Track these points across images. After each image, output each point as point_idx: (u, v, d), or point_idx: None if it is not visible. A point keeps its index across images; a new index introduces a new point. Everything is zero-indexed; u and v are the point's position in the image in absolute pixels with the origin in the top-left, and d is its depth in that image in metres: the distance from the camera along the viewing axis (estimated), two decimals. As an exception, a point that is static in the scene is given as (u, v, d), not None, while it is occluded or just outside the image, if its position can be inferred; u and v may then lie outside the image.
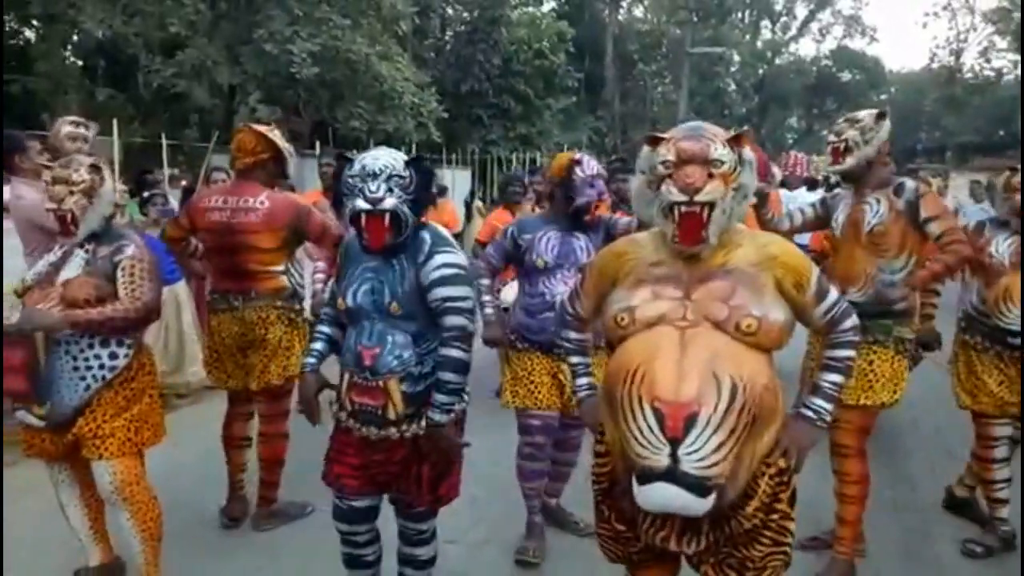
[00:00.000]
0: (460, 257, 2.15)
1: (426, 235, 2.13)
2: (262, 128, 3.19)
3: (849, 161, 2.86)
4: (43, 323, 2.31)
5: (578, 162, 2.92)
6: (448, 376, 2.10)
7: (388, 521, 2.39)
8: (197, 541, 3.06)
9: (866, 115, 2.91)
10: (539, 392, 2.91)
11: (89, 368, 2.39)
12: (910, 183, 2.83)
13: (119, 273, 2.44)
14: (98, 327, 2.36)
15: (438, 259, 2.08)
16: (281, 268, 3.13)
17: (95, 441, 2.43)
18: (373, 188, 2.02)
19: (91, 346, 2.39)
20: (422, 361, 2.10)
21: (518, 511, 3.20)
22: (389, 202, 2.02)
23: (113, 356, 2.43)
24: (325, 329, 2.32)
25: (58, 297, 2.37)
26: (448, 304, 2.07)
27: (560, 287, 2.81)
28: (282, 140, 3.19)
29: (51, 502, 2.66)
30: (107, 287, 2.42)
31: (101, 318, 2.35)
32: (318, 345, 2.31)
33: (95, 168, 2.50)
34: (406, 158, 2.14)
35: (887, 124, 2.88)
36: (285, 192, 3.44)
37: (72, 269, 2.44)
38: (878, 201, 2.80)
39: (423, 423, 2.13)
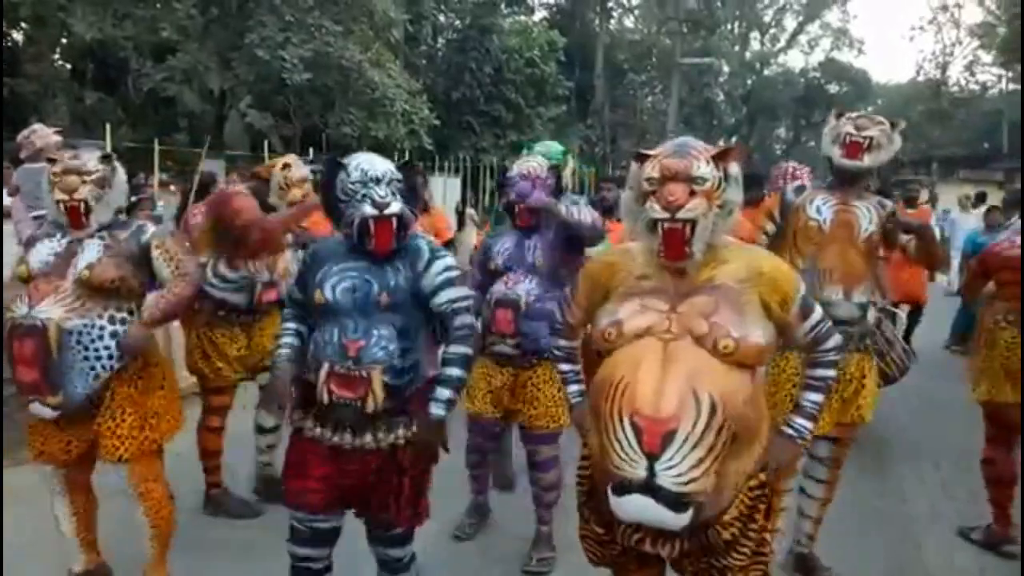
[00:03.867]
0: (455, 261, 2.21)
1: (422, 243, 2.15)
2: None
3: (868, 160, 2.75)
4: (143, 341, 2.42)
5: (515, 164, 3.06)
6: (456, 372, 2.12)
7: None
8: (191, 535, 3.02)
9: (883, 119, 2.81)
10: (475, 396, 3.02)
11: (99, 358, 2.37)
12: (888, 202, 2.85)
13: (154, 252, 2.46)
14: (171, 316, 2.47)
15: (439, 264, 2.12)
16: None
17: (114, 441, 2.42)
18: (381, 193, 2.04)
19: (100, 337, 2.36)
20: (404, 355, 2.07)
21: (500, 522, 3.21)
22: (396, 206, 2.05)
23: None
24: (293, 325, 2.27)
25: (74, 287, 2.35)
26: (457, 304, 2.13)
27: (500, 287, 2.87)
28: None
29: (42, 508, 2.64)
30: (130, 268, 2.41)
31: (169, 308, 2.47)
32: (288, 339, 2.26)
33: (106, 158, 2.47)
34: (396, 163, 2.17)
35: (898, 137, 2.82)
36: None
37: (90, 255, 2.40)
38: (869, 210, 2.76)
39: (401, 432, 2.10)
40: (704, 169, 1.70)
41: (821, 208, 2.79)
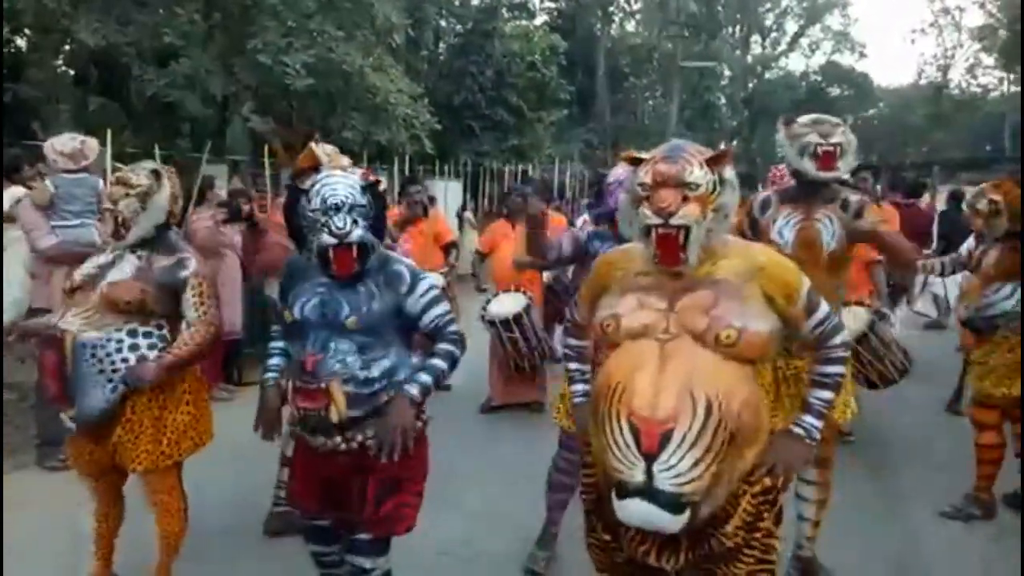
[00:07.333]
0: (436, 279, 2.28)
1: (402, 268, 2.17)
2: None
3: (842, 167, 2.70)
4: (149, 378, 2.37)
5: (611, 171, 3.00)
6: (439, 363, 2.15)
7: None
8: (203, 549, 3.02)
9: (837, 120, 2.76)
10: None
11: (116, 371, 2.38)
12: (853, 197, 2.73)
13: (188, 292, 2.45)
14: (189, 363, 2.45)
15: (423, 286, 2.15)
16: None
17: (132, 453, 2.45)
18: (339, 223, 2.04)
19: (119, 350, 2.38)
20: (367, 366, 2.09)
21: (513, 524, 3.21)
22: (356, 234, 2.06)
23: (142, 359, 2.41)
24: (280, 343, 2.32)
25: (97, 300, 2.37)
26: (445, 319, 2.18)
27: None
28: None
29: (44, 512, 2.66)
30: (156, 294, 2.42)
31: (189, 356, 2.43)
32: (275, 360, 2.32)
33: (155, 174, 2.51)
34: (362, 183, 2.14)
35: (852, 135, 2.77)
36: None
37: (121, 272, 2.44)
38: (831, 220, 2.67)
39: (369, 432, 2.10)
40: (697, 174, 1.68)
41: (783, 230, 2.74)
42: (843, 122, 2.77)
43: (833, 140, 2.68)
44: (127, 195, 2.43)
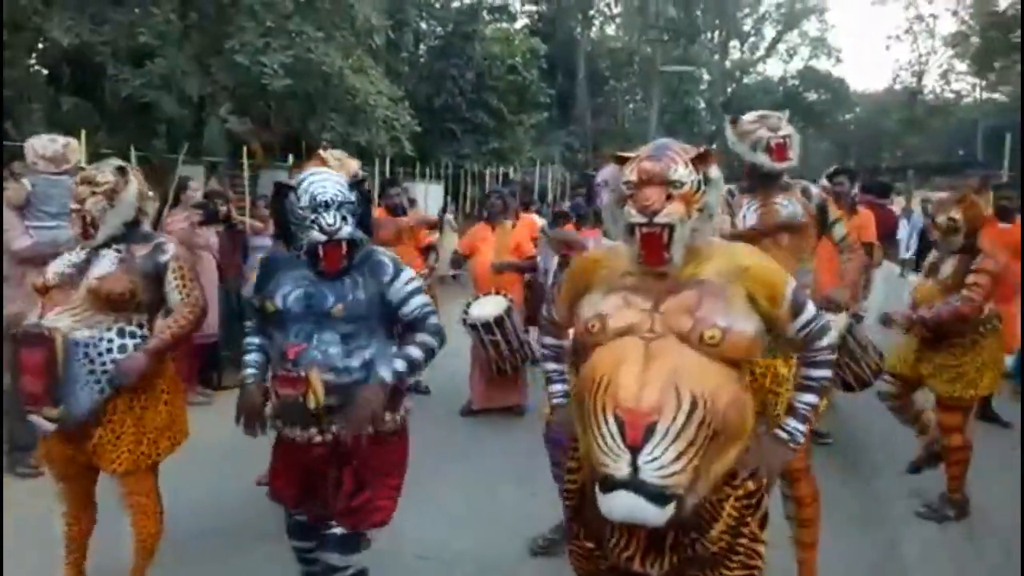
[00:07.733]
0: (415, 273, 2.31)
1: (385, 258, 2.21)
2: None
3: (793, 156, 2.79)
4: (141, 368, 2.34)
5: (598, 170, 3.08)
6: (414, 351, 2.18)
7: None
8: (179, 554, 2.98)
9: (778, 114, 2.86)
10: None
11: (105, 372, 2.35)
12: (814, 188, 2.89)
13: (169, 275, 2.45)
14: (174, 347, 2.44)
15: (405, 275, 2.20)
16: None
17: (112, 455, 2.41)
18: (329, 220, 2.08)
19: (109, 350, 2.35)
20: (349, 355, 2.12)
21: (494, 527, 3.19)
22: (346, 230, 2.10)
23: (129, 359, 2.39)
24: (255, 340, 2.33)
25: (84, 296, 2.34)
26: (425, 309, 2.21)
27: None
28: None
29: (13, 520, 2.61)
30: (142, 284, 2.40)
31: (174, 339, 2.43)
32: (253, 356, 2.31)
33: (121, 171, 2.47)
34: (348, 180, 2.19)
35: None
36: None
37: (104, 267, 2.40)
38: (789, 201, 2.79)
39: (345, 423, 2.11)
40: (681, 172, 1.67)
41: (746, 214, 2.83)
42: (783, 116, 2.86)
43: (782, 132, 2.78)
44: (93, 194, 2.39)
